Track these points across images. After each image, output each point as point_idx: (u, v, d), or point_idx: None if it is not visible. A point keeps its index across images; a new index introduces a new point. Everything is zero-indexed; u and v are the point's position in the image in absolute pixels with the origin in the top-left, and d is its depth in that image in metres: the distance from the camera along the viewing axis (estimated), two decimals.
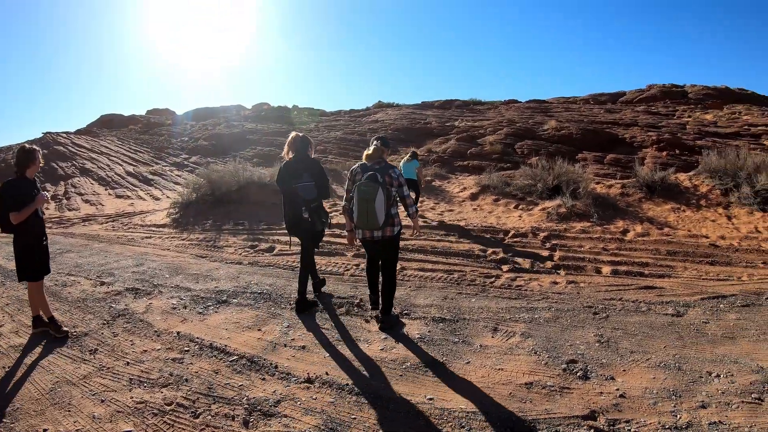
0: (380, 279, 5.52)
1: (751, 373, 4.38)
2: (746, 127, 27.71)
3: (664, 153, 17.64)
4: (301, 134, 5.85)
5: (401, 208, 5.80)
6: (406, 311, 6.03)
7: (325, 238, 7.60)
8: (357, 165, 5.26)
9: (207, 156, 25.60)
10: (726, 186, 11.20)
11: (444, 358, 4.76)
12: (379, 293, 5.57)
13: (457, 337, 5.25)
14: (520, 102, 46.39)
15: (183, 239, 10.72)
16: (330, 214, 6.59)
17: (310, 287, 6.56)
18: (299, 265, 6.23)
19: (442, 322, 5.64)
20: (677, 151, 17.81)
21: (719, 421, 3.66)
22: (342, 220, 9.97)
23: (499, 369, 4.54)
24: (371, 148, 5.22)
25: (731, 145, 18.33)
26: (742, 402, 3.92)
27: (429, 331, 5.39)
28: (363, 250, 6.98)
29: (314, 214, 5.74)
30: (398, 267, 7.13)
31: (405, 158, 12.02)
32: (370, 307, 5.95)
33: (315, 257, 6.91)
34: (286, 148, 5.79)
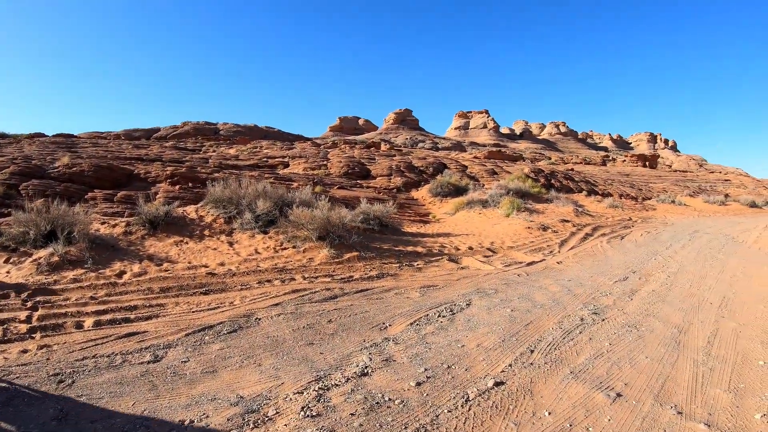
0: None
1: (229, 407, 4.19)
2: (265, 159, 31.39)
3: (177, 187, 18.05)
4: None
5: None
6: None
7: None
8: None
9: None
10: (230, 214, 11.82)
11: None
12: None
13: None
14: (47, 136, 42.24)
15: None
16: None
17: None
18: None
19: None
20: (191, 185, 18.44)
21: None
22: None
23: None
24: None
25: (248, 176, 20.04)
26: None
27: None
28: None
29: None
30: None
31: None
32: None
33: None
34: None
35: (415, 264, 10.15)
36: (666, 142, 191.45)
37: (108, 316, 6.85)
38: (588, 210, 24.16)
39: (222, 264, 9.33)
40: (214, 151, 35.69)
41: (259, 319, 6.49)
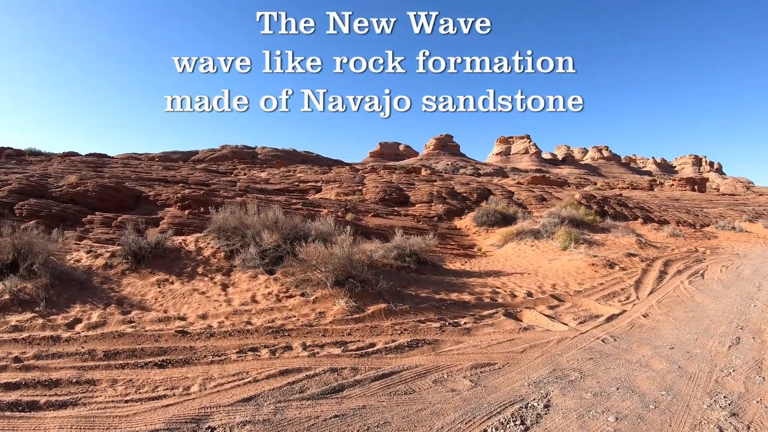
0: None
1: None
2: (297, 183, 29.29)
3: (187, 212, 15.83)
4: None
5: None
6: None
7: None
8: None
9: None
10: (232, 247, 9.44)
11: None
12: None
13: None
14: (80, 155, 41.78)
15: None
16: None
17: None
18: None
19: None
20: (202, 209, 16.19)
21: None
22: None
23: None
24: None
25: (273, 200, 17.85)
26: None
27: None
28: None
29: None
30: None
31: None
32: None
33: None
34: None
35: (462, 322, 7.37)
36: (711, 164, 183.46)
37: (13, 396, 4.50)
38: (649, 240, 21.13)
39: (203, 316, 6.93)
40: (244, 174, 33.90)
41: (213, 431, 4.00)
